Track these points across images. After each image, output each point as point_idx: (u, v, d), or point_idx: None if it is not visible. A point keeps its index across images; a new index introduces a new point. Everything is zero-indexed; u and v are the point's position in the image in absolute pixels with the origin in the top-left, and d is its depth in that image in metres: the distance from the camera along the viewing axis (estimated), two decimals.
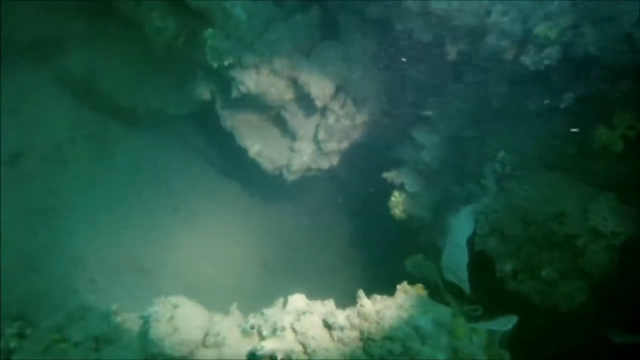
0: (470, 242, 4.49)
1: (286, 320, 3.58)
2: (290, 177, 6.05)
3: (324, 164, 5.87)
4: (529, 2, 3.54)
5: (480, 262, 4.50)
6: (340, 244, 6.95)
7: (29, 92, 6.78)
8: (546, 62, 3.52)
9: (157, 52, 6.17)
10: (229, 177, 7.35)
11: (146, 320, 3.90)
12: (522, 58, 3.65)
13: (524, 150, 4.38)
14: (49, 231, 5.87)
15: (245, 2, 5.06)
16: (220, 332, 3.81)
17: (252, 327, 3.73)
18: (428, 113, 4.82)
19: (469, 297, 4.48)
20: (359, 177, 6.50)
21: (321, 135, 5.61)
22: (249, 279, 6.86)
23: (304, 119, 5.74)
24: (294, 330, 3.52)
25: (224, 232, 7.03)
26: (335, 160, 5.88)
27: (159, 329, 3.80)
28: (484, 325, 3.53)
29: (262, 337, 3.67)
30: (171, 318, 3.88)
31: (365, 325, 3.38)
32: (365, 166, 6.13)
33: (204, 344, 3.86)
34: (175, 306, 3.93)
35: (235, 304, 4.10)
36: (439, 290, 4.43)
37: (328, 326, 3.51)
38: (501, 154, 4.38)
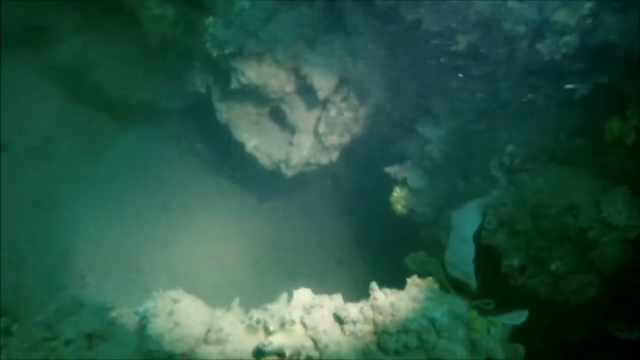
0: (477, 237, 4.42)
1: (295, 314, 3.42)
2: (288, 173, 5.90)
3: (324, 159, 5.74)
4: None
5: (486, 257, 4.42)
6: (337, 242, 6.82)
7: (17, 83, 6.53)
8: (564, 50, 3.46)
9: (153, 42, 6.00)
10: (223, 173, 7.19)
11: (144, 316, 3.70)
12: (538, 46, 3.59)
13: (533, 144, 4.32)
14: (37, 224, 5.63)
15: None
16: (224, 328, 3.63)
17: (258, 322, 3.56)
18: (434, 106, 4.74)
19: (474, 293, 4.40)
20: (359, 173, 6.40)
21: (322, 128, 5.47)
22: (242, 277, 6.71)
23: (304, 112, 5.60)
24: (304, 325, 3.37)
25: (216, 230, 6.87)
26: (335, 156, 5.74)
27: (158, 324, 3.61)
28: (498, 319, 3.44)
29: (268, 333, 3.50)
30: (171, 313, 3.70)
31: (380, 318, 3.26)
32: (366, 161, 6.02)
33: (205, 340, 3.67)
34: (175, 300, 3.75)
35: (237, 299, 3.93)
36: (442, 286, 4.34)
37: (339, 320, 3.37)
38: (510, 148, 4.31)
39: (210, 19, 4.97)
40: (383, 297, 3.35)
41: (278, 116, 5.86)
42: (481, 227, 4.38)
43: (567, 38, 3.42)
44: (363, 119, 5.40)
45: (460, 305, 3.33)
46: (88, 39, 6.57)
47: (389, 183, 5.49)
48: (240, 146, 5.97)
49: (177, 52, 6.17)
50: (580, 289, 3.96)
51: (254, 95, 5.53)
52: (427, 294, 3.36)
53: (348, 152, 5.79)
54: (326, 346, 3.25)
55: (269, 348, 3.31)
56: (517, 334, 3.85)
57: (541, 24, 3.49)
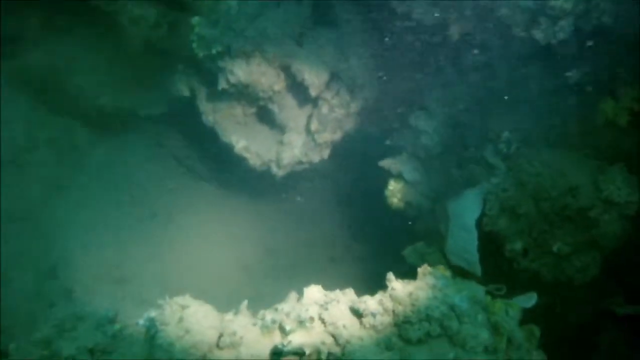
0: (479, 224, 4.46)
1: (312, 310, 3.35)
2: (279, 173, 5.81)
3: (316, 157, 5.68)
4: None
5: (488, 243, 4.47)
6: (330, 240, 6.77)
7: None
8: (560, 35, 3.54)
9: (132, 46, 5.78)
10: (209, 179, 7.04)
11: (151, 325, 3.54)
12: (534, 32, 3.65)
13: (527, 130, 4.40)
14: (19, 240, 5.32)
15: None
16: (237, 331, 3.52)
17: (273, 322, 3.46)
18: (427, 97, 4.76)
19: (479, 280, 4.43)
20: (352, 168, 6.37)
21: (314, 126, 5.42)
22: (234, 284, 6.57)
23: (294, 111, 5.53)
24: (323, 321, 3.30)
25: (205, 237, 6.71)
26: (327, 153, 5.70)
27: (169, 333, 3.47)
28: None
29: (284, 332, 3.41)
30: (180, 320, 3.56)
31: (400, 308, 3.22)
32: (358, 156, 6.00)
33: (218, 345, 3.55)
34: (183, 307, 3.62)
35: (245, 302, 3.82)
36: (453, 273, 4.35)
37: (358, 314, 3.32)
38: (506, 134, 4.38)
39: (196, 19, 4.82)
40: (401, 287, 3.32)
41: (266, 116, 5.76)
42: (482, 214, 4.43)
43: (563, 23, 3.50)
44: (355, 115, 5.39)
45: (478, 290, 3.34)
46: (60, 44, 6.26)
47: (383, 178, 5.49)
48: (229, 148, 5.84)
49: (156, 56, 5.98)
50: (584, 268, 4.04)
51: (242, 95, 5.42)
52: (445, 281, 3.35)
53: (340, 149, 5.76)
54: (347, 341, 3.18)
55: (288, 347, 3.22)
56: (521, 317, 3.90)
57: (537, 9, 3.55)
